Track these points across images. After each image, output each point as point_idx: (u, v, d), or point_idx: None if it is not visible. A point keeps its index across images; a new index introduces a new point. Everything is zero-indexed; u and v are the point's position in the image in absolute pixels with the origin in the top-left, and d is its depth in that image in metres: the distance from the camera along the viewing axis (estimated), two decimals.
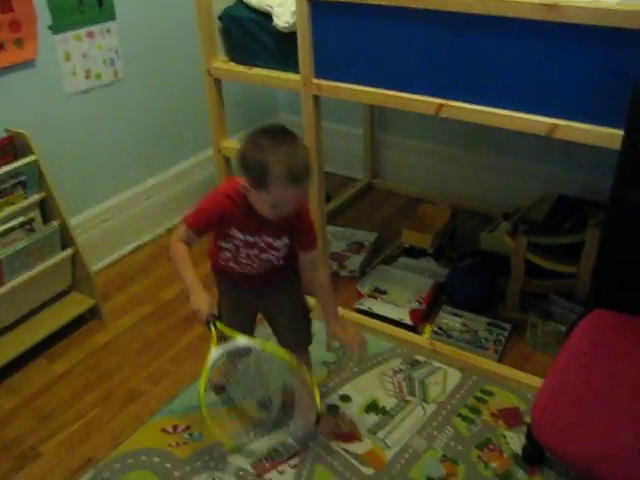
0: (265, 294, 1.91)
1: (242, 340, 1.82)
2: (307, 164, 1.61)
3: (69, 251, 2.48)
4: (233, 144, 2.50)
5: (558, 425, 1.41)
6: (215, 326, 1.79)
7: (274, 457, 1.99)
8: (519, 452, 1.96)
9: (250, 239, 1.76)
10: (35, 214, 2.42)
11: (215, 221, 1.75)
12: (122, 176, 2.96)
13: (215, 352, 1.83)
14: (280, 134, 1.62)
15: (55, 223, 2.43)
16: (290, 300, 1.95)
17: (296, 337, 1.99)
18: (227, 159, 2.51)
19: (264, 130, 1.63)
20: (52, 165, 2.43)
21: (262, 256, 1.80)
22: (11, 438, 2.12)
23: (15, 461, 2.04)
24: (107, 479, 1.95)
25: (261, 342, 1.88)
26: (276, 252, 1.81)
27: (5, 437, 2.12)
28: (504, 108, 1.82)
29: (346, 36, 2.02)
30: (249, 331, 1.98)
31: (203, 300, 1.76)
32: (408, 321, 2.42)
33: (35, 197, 2.40)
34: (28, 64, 2.47)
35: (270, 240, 1.77)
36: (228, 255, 1.82)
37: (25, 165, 2.33)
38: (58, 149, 2.59)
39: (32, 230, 2.40)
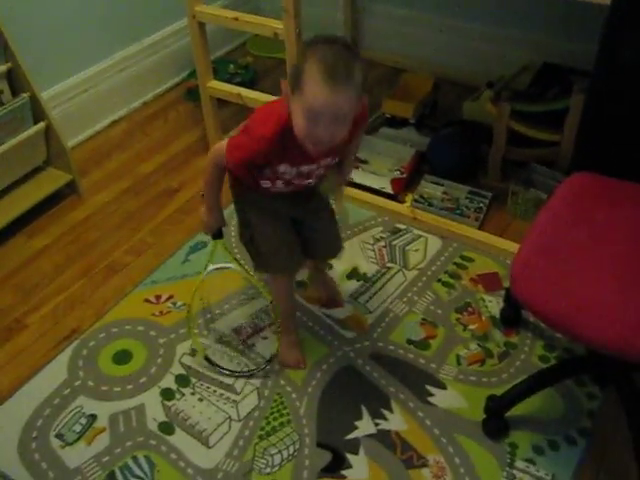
0: (299, 200, 1.74)
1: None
2: (350, 69, 1.35)
3: (42, 125, 2.40)
4: (209, 9, 2.39)
5: (536, 281, 1.43)
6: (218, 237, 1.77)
7: (257, 323, 2.02)
8: (497, 315, 2.01)
9: (305, 168, 1.59)
10: (3, 86, 2.33)
11: (255, 160, 1.55)
12: (94, 47, 2.83)
13: (210, 267, 1.81)
14: (331, 39, 1.40)
15: (25, 95, 2.34)
16: (324, 204, 1.85)
17: (333, 244, 1.93)
18: (202, 25, 2.40)
19: (318, 36, 1.43)
20: (18, 34, 2.31)
21: (314, 176, 1.64)
22: None
23: (2, 332, 2.06)
24: (93, 348, 1.99)
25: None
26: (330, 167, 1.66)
27: None
28: None
29: None
30: (294, 241, 1.79)
31: (216, 216, 1.70)
32: (389, 190, 2.41)
33: (2, 67, 2.30)
34: None
35: (328, 160, 1.60)
36: (278, 183, 1.63)
37: None
38: (23, 16, 2.46)
39: (1, 103, 2.32)
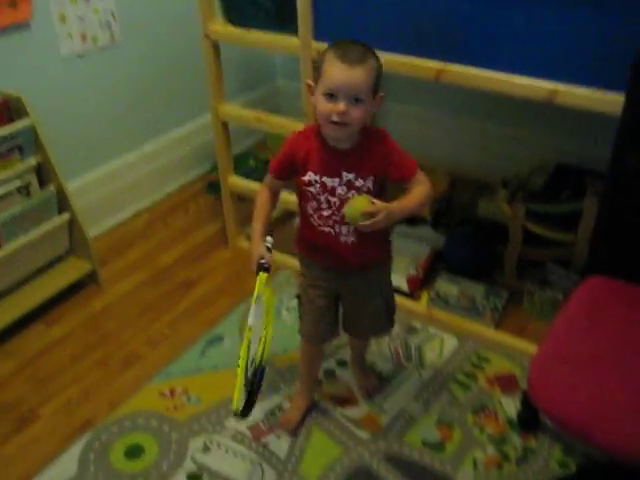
0: (349, 274, 1.78)
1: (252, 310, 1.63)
2: (364, 54, 1.52)
3: (66, 215, 2.47)
4: (231, 108, 2.48)
5: (554, 387, 1.42)
6: (262, 272, 1.66)
7: (271, 421, 2.01)
8: (514, 417, 1.98)
9: (328, 181, 1.63)
10: (31, 178, 2.41)
11: (290, 160, 1.67)
12: (119, 141, 2.94)
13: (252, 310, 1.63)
14: (353, 41, 1.58)
15: (52, 187, 2.42)
16: (373, 288, 1.82)
17: (372, 328, 1.93)
18: (225, 124, 2.49)
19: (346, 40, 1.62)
20: (48, 129, 2.40)
21: (338, 198, 1.64)
22: (10, 401, 2.13)
23: (14, 423, 2.06)
24: (105, 441, 1.97)
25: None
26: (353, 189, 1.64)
27: (4, 400, 2.14)
28: (503, 72, 1.80)
29: None
30: (324, 313, 1.84)
31: (257, 248, 1.69)
32: (405, 288, 2.43)
33: (31, 161, 2.38)
34: (22, 26, 2.43)
35: (351, 177, 1.62)
36: (312, 205, 1.68)
37: (21, 129, 2.31)
38: (54, 113, 2.57)
39: (28, 194, 2.39)
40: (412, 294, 2.43)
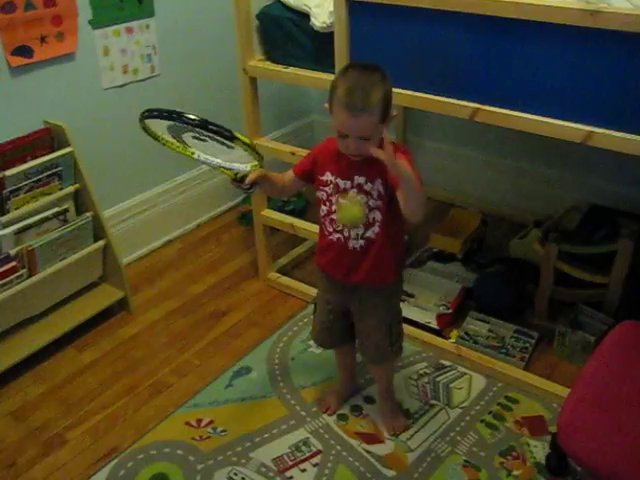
0: (354, 288, 1.85)
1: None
2: (368, 97, 1.56)
3: (101, 243, 2.51)
4: (267, 142, 2.52)
5: (584, 434, 1.40)
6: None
7: (296, 454, 2.00)
8: (542, 461, 1.95)
9: (341, 183, 1.72)
10: (69, 205, 2.46)
11: (312, 161, 1.80)
12: (155, 171, 2.99)
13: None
14: (364, 65, 1.65)
15: (88, 214, 2.47)
16: (376, 310, 1.88)
17: (373, 352, 1.96)
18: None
19: (355, 62, 1.73)
20: (87, 158, 2.46)
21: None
22: (38, 424, 2.16)
23: (42, 447, 2.08)
24: (131, 469, 1.98)
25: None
26: (369, 201, 1.69)
27: (33, 423, 2.16)
28: (540, 114, 1.81)
29: (383, 38, 2.02)
30: (331, 326, 1.97)
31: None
32: (435, 325, 2.42)
33: (70, 188, 2.43)
34: (68, 57, 2.51)
35: (361, 181, 1.69)
36: (324, 208, 1.78)
37: (62, 157, 2.37)
38: (94, 142, 2.63)
39: (66, 221, 2.44)
40: (441, 331, 2.41)
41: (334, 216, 1.76)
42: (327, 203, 1.77)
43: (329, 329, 1.99)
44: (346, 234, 1.76)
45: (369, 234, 1.74)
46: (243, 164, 1.73)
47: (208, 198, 3.23)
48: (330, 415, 2.13)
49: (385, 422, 2.09)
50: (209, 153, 1.75)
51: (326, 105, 1.68)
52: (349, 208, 1.69)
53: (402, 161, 1.55)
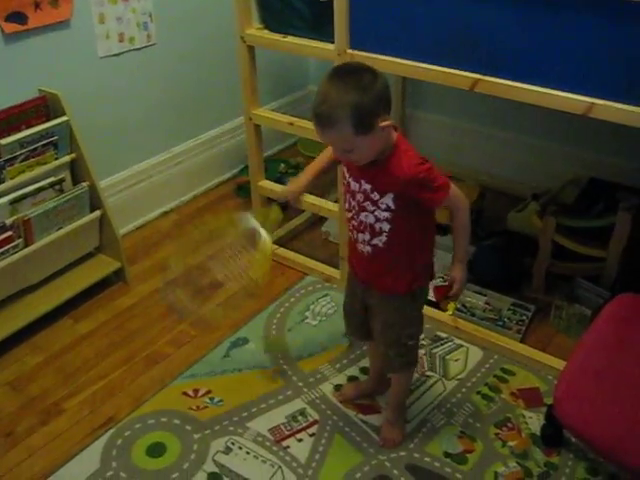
0: (370, 289, 1.80)
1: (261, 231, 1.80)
2: (333, 112, 1.45)
3: (97, 213, 2.50)
4: (264, 112, 2.49)
5: (581, 405, 1.41)
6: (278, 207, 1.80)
7: (293, 424, 2.01)
8: (537, 432, 1.96)
9: (352, 183, 1.64)
10: (65, 175, 2.44)
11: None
12: (151, 141, 2.97)
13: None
14: (351, 69, 1.54)
15: (85, 184, 2.45)
16: (386, 315, 1.79)
17: (383, 358, 1.89)
18: (258, 127, 2.50)
19: (344, 64, 1.66)
20: (83, 127, 2.43)
21: (361, 215, 1.65)
22: (36, 393, 2.16)
23: (40, 416, 2.09)
24: (128, 438, 1.99)
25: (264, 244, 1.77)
26: (375, 211, 1.62)
27: (30, 392, 2.17)
28: (541, 85, 1.79)
29: (382, 6, 1.99)
30: (354, 314, 1.91)
31: (291, 185, 1.84)
32: (432, 297, 2.42)
33: (66, 158, 2.41)
34: (63, 25, 2.47)
35: (367, 189, 1.61)
36: (345, 205, 1.73)
37: (57, 125, 2.34)
38: (89, 111, 2.60)
39: (62, 190, 2.42)
40: (438, 304, 2.41)
41: (348, 214, 1.71)
42: (344, 198, 1.74)
43: (348, 319, 1.96)
44: (355, 236, 1.71)
45: (376, 242, 1.67)
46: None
47: (205, 169, 3.21)
48: (341, 402, 2.08)
49: (382, 430, 1.98)
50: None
51: None
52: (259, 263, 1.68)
53: (459, 267, 1.76)
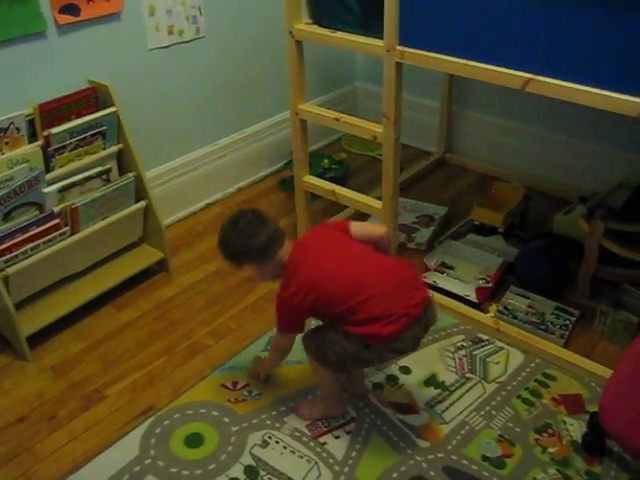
0: None
1: None
2: (222, 246, 1.88)
3: (143, 203, 2.53)
4: (311, 107, 2.49)
5: (627, 415, 1.38)
6: None
7: (331, 421, 2.01)
8: (579, 440, 1.92)
9: None
10: (112, 165, 2.48)
11: None
12: (198, 133, 2.99)
13: None
14: (234, 220, 1.87)
15: (131, 175, 2.48)
16: None
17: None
18: (304, 122, 2.50)
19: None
20: (131, 118, 2.46)
21: None
22: (78, 379, 2.20)
23: (81, 401, 2.12)
24: (166, 427, 2.01)
25: None
26: None
27: (73, 378, 2.20)
28: (595, 86, 1.75)
29: (434, 3, 1.97)
30: None
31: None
32: (474, 298, 2.39)
33: (113, 148, 2.45)
34: (114, 17, 2.50)
35: None
36: None
37: (106, 116, 2.38)
38: (137, 102, 2.63)
39: (108, 180, 2.46)
40: (480, 305, 2.39)
41: None
42: None
43: None
44: None
45: None
46: None
47: (249, 162, 3.23)
48: None
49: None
50: None
51: None
52: None
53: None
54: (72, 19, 2.37)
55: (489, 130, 3.26)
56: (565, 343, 2.24)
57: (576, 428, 1.96)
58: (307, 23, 2.36)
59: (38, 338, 2.31)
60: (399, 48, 2.06)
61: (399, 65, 2.10)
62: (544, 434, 1.96)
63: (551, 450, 1.91)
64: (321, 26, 2.32)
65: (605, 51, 1.71)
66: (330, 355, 1.81)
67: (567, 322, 2.30)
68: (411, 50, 2.05)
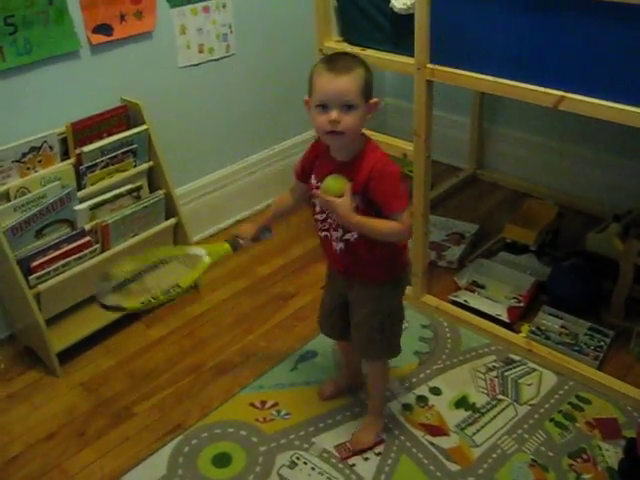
0: (351, 282, 1.84)
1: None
2: (349, 63, 1.60)
3: (172, 220, 2.54)
4: None
5: None
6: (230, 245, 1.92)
7: None
8: (615, 466, 1.87)
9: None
10: (143, 182, 2.50)
11: (306, 164, 1.80)
12: (227, 150, 3.00)
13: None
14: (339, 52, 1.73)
15: (161, 192, 2.50)
16: (368, 303, 1.83)
17: (364, 343, 1.89)
18: None
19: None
20: (161, 136, 2.48)
21: (334, 215, 1.68)
22: (108, 396, 2.20)
23: (111, 418, 2.12)
24: (194, 446, 2.00)
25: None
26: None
27: (103, 394, 2.21)
28: (627, 103, 1.72)
29: (464, 21, 1.96)
30: (332, 313, 1.96)
31: (246, 225, 1.98)
32: (505, 318, 2.36)
33: (144, 166, 2.47)
34: (145, 36, 2.53)
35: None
36: (317, 208, 1.77)
37: (137, 134, 2.40)
38: (168, 120, 2.64)
39: (139, 197, 2.48)
40: (512, 325, 2.35)
41: (318, 217, 1.75)
42: (314, 206, 1.77)
43: (330, 318, 1.98)
44: (330, 235, 1.76)
45: (348, 237, 1.72)
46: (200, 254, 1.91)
47: (278, 179, 3.22)
48: (323, 400, 2.14)
49: (355, 432, 2.02)
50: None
51: (306, 98, 1.67)
52: (331, 183, 1.63)
53: (356, 216, 1.60)
54: (105, 39, 2.40)
55: (520, 146, 3.23)
56: (599, 365, 2.19)
57: (612, 454, 1.92)
58: (337, 41, 2.36)
59: (68, 354, 2.32)
60: (430, 66, 2.05)
61: (430, 83, 2.09)
62: (578, 459, 1.91)
63: (585, 476, 1.86)
64: (351, 44, 2.33)
65: (636, 68, 1.68)
66: (396, 329, 1.89)
67: (601, 343, 2.25)
68: (442, 68, 2.04)
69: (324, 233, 1.77)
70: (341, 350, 2.15)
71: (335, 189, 1.61)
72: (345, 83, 1.56)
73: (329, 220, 1.73)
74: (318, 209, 1.74)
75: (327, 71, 1.58)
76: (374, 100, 1.63)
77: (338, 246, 1.75)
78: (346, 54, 1.68)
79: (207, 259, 1.89)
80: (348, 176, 1.63)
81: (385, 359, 1.95)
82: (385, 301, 1.84)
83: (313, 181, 1.74)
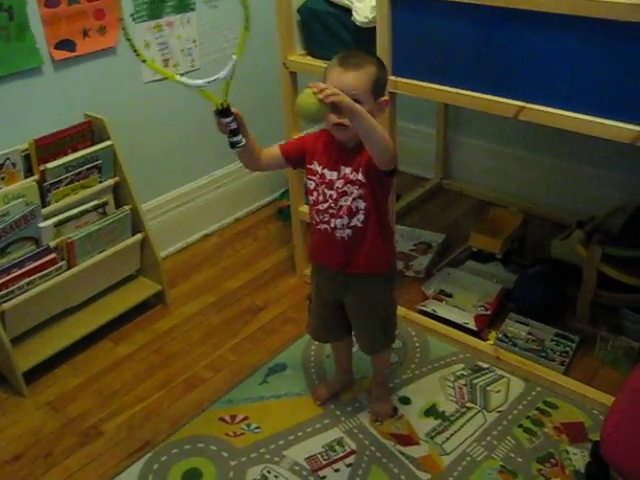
0: (348, 280, 1.86)
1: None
2: (360, 60, 1.64)
3: (139, 236, 2.52)
4: None
5: (629, 446, 1.36)
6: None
7: (330, 454, 1.98)
8: (582, 469, 1.89)
9: (328, 174, 1.75)
10: (108, 198, 2.48)
11: (302, 146, 1.83)
12: (193, 165, 3.00)
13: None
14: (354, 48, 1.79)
15: (127, 208, 2.48)
16: (373, 298, 1.90)
17: (370, 343, 2.02)
18: None
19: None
20: (127, 151, 2.47)
21: (341, 200, 1.74)
22: (75, 415, 2.18)
23: (78, 437, 2.10)
24: (164, 463, 1.98)
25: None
26: (354, 192, 1.72)
27: (70, 413, 2.18)
28: (587, 114, 1.75)
29: (425, 33, 1.99)
30: (327, 316, 2.00)
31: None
32: (473, 326, 2.38)
33: (109, 181, 2.45)
34: (109, 51, 2.52)
35: (347, 171, 1.72)
36: (311, 199, 1.81)
37: (101, 150, 2.39)
38: (133, 136, 2.63)
39: (105, 214, 2.46)
40: (479, 333, 2.37)
41: (320, 207, 1.78)
42: (314, 193, 1.79)
43: (324, 323, 2.03)
44: (332, 225, 1.78)
45: (355, 222, 1.76)
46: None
47: (246, 193, 3.23)
48: (319, 405, 2.15)
49: (373, 407, 2.12)
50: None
51: None
52: (304, 99, 1.58)
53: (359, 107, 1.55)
54: (68, 54, 2.38)
55: (486, 156, 3.27)
56: (566, 370, 2.22)
57: (579, 457, 1.94)
58: (301, 54, 2.37)
59: (35, 373, 2.29)
60: (392, 78, 2.07)
61: (392, 95, 2.11)
62: (547, 464, 1.93)
63: None
64: (314, 57, 2.34)
65: (594, 79, 1.72)
66: (394, 321, 1.99)
67: (567, 349, 2.28)
68: (404, 80, 2.06)
69: (324, 226, 1.79)
70: (334, 350, 2.20)
71: (311, 101, 1.56)
72: (353, 78, 1.62)
73: (329, 211, 1.76)
74: (321, 198, 1.77)
75: (339, 65, 1.64)
76: (383, 98, 1.70)
77: (345, 233, 1.78)
78: (362, 51, 1.72)
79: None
80: (356, 158, 1.70)
81: (385, 352, 2.07)
82: (386, 292, 1.93)
83: (317, 167, 1.77)
